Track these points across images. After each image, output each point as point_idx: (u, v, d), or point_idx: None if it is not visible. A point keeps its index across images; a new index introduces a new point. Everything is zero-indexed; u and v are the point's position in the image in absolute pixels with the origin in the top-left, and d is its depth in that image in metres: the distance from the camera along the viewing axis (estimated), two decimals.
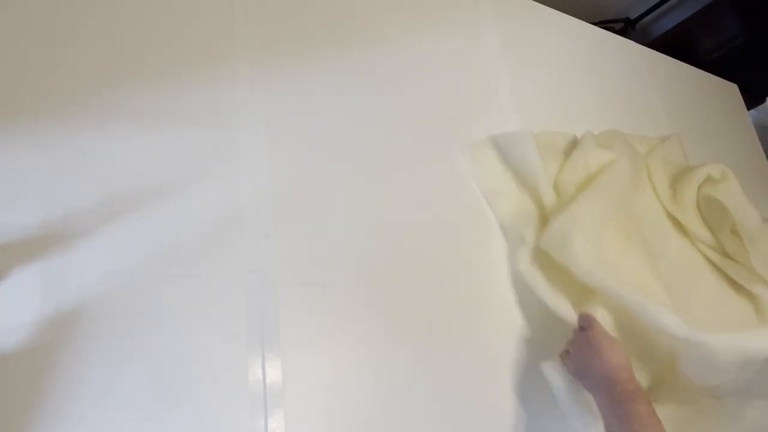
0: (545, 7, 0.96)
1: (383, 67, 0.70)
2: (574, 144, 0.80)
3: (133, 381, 0.44)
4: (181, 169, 0.53)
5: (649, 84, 1.08)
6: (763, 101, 1.76)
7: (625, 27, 1.69)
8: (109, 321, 0.45)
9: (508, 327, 0.65)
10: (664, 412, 0.53)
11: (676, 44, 1.53)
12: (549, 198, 0.71)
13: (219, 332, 0.49)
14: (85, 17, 0.53)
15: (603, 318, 0.59)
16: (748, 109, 1.30)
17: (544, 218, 0.70)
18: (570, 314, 0.61)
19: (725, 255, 0.84)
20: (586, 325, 0.55)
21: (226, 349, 0.48)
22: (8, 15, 0.50)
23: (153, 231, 0.49)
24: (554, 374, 0.55)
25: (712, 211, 0.85)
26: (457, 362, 0.59)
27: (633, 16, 1.69)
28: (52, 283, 0.44)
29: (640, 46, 1.12)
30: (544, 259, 0.66)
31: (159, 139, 0.53)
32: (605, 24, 1.54)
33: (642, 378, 0.59)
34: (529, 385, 0.61)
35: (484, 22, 0.85)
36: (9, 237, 0.44)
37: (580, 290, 0.64)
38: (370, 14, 0.73)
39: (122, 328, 0.45)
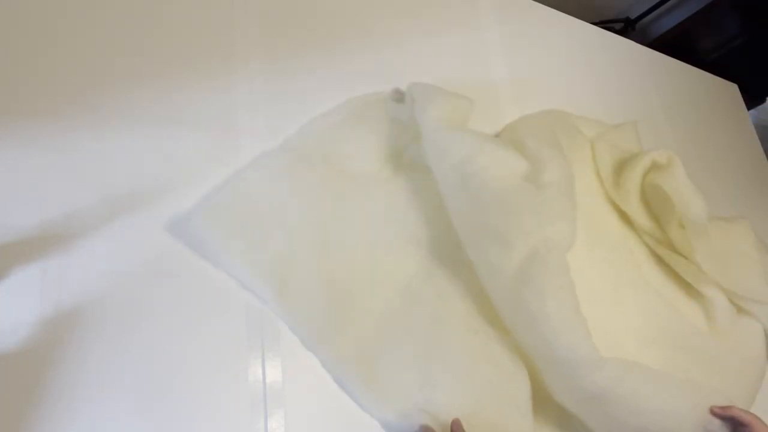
0: (545, 6, 0.96)
1: (383, 66, 0.70)
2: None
3: (133, 381, 0.44)
4: (181, 168, 0.53)
5: (649, 84, 1.08)
6: (763, 101, 1.76)
7: (625, 27, 1.69)
8: (108, 321, 0.45)
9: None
10: None
11: (676, 44, 1.53)
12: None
13: (219, 332, 0.49)
14: (84, 17, 0.53)
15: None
16: (748, 109, 1.30)
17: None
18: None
19: (673, 250, 0.75)
20: None
21: (226, 349, 0.48)
22: (8, 15, 0.50)
23: (153, 231, 0.49)
24: None
25: (658, 202, 0.76)
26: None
27: (633, 16, 1.69)
28: (51, 283, 0.44)
29: (640, 46, 1.11)
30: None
31: (159, 138, 0.53)
32: (605, 24, 1.54)
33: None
34: None
35: (485, 21, 0.85)
36: (9, 237, 0.44)
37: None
38: (369, 13, 0.73)
39: (122, 328, 0.45)
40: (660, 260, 0.77)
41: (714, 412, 0.52)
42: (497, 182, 0.55)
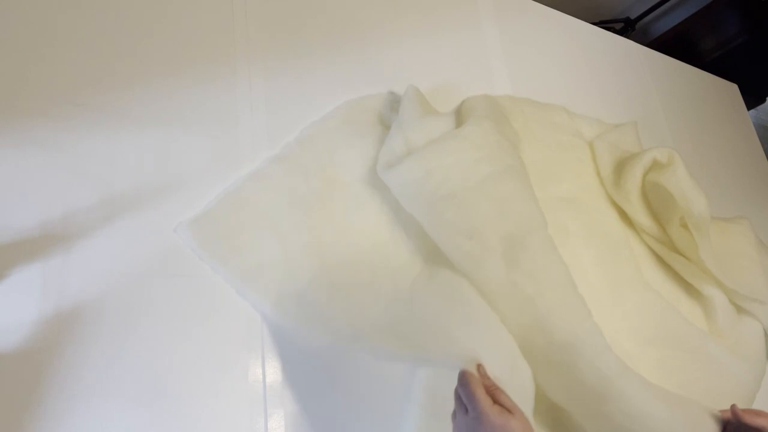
0: (545, 6, 0.96)
1: (382, 66, 0.70)
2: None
3: (133, 381, 0.44)
4: (181, 169, 0.53)
5: (649, 84, 1.08)
6: (763, 101, 1.76)
7: (625, 27, 1.70)
8: (108, 321, 0.45)
9: None
10: None
11: (676, 44, 1.53)
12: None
13: (219, 332, 0.49)
14: (84, 17, 0.53)
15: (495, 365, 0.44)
16: (748, 109, 1.30)
17: None
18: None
19: (673, 249, 0.75)
20: (465, 393, 0.39)
21: (226, 349, 0.48)
22: (8, 14, 0.50)
23: (153, 231, 0.49)
24: None
25: (659, 200, 0.76)
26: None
27: (633, 16, 1.69)
28: (52, 283, 0.44)
29: (640, 46, 1.12)
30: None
31: (159, 138, 0.53)
32: (605, 24, 1.55)
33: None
34: None
35: (485, 21, 0.85)
36: (9, 237, 0.44)
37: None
38: (369, 13, 0.73)
39: (122, 328, 0.45)
40: (660, 260, 0.77)
41: (735, 412, 0.50)
42: (455, 187, 0.55)
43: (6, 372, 0.40)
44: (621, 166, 0.79)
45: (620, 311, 0.66)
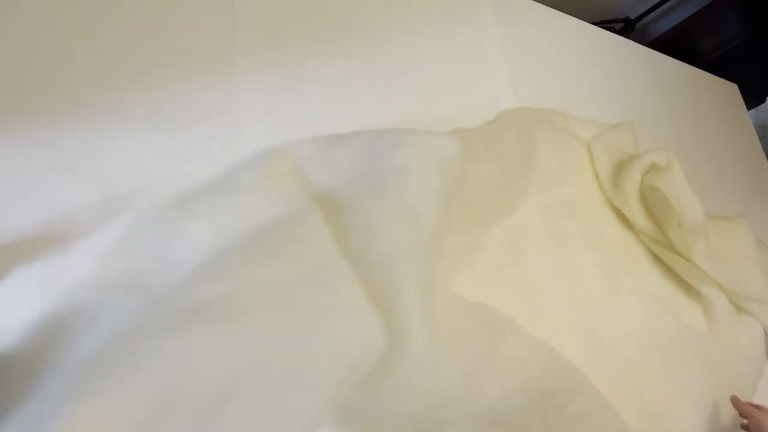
0: (545, 6, 0.96)
1: (383, 66, 0.70)
2: None
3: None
4: (181, 169, 0.53)
5: (649, 84, 1.08)
6: (763, 101, 1.76)
7: (625, 27, 1.70)
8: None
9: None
10: None
11: (676, 44, 1.53)
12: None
13: None
14: (84, 17, 0.53)
15: None
16: (748, 109, 1.30)
17: None
18: None
19: (673, 251, 0.75)
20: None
21: None
22: (8, 14, 0.50)
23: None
24: None
25: (657, 202, 0.76)
26: None
27: (633, 16, 1.70)
28: (52, 283, 0.44)
29: (640, 46, 1.12)
30: None
31: (159, 139, 0.53)
32: (605, 24, 1.55)
33: None
34: None
35: (485, 22, 0.85)
36: (9, 237, 0.44)
37: None
38: (370, 13, 0.73)
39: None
40: (659, 262, 0.77)
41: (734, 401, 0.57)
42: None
43: (6, 372, 0.40)
44: (619, 168, 0.79)
45: (620, 316, 0.66)
